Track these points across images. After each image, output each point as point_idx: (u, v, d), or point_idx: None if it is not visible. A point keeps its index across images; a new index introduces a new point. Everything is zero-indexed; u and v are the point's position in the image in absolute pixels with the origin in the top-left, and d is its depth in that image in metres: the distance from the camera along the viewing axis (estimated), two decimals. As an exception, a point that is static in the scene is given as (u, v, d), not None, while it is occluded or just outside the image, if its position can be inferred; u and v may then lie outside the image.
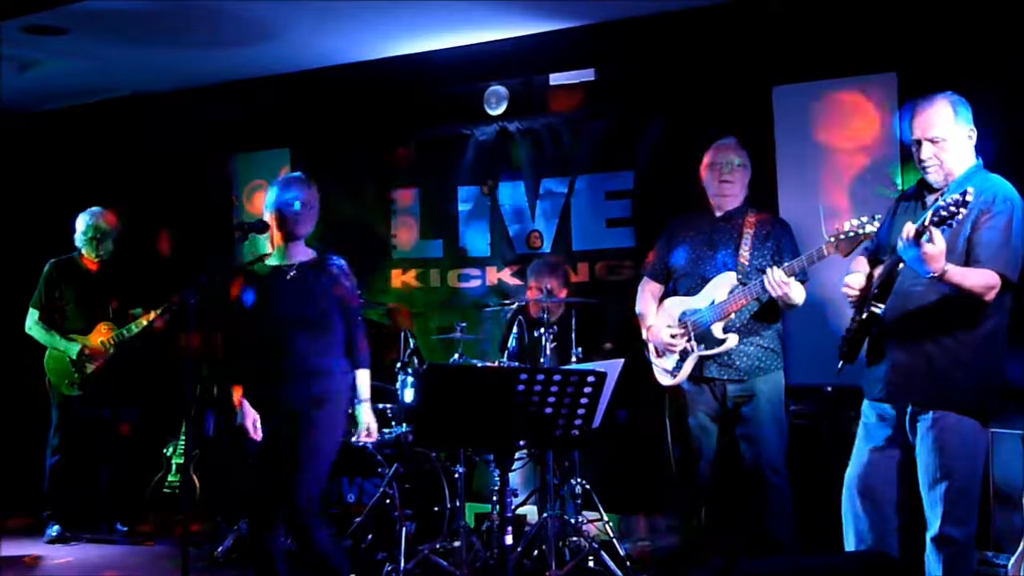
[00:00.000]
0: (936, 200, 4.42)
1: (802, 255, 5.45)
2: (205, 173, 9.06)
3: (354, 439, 5.57)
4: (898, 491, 4.70)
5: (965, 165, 4.59)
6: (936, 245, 4.20)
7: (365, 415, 5.44)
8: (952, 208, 4.15)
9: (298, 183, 5.37)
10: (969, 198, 4.14)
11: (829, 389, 6.30)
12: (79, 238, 7.72)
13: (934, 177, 4.62)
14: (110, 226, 7.73)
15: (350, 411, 5.47)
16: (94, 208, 7.77)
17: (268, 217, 5.33)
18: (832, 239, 4.99)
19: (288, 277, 5.31)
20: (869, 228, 4.81)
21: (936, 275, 4.28)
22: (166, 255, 8.68)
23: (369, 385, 5.46)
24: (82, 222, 7.72)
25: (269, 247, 5.44)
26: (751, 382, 5.83)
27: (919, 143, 4.62)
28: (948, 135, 4.56)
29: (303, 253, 5.40)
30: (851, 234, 4.88)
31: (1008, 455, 5.53)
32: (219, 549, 6.77)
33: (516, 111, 7.97)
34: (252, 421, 5.27)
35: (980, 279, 4.35)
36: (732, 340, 5.80)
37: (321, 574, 5.21)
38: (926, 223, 4.19)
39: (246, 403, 5.30)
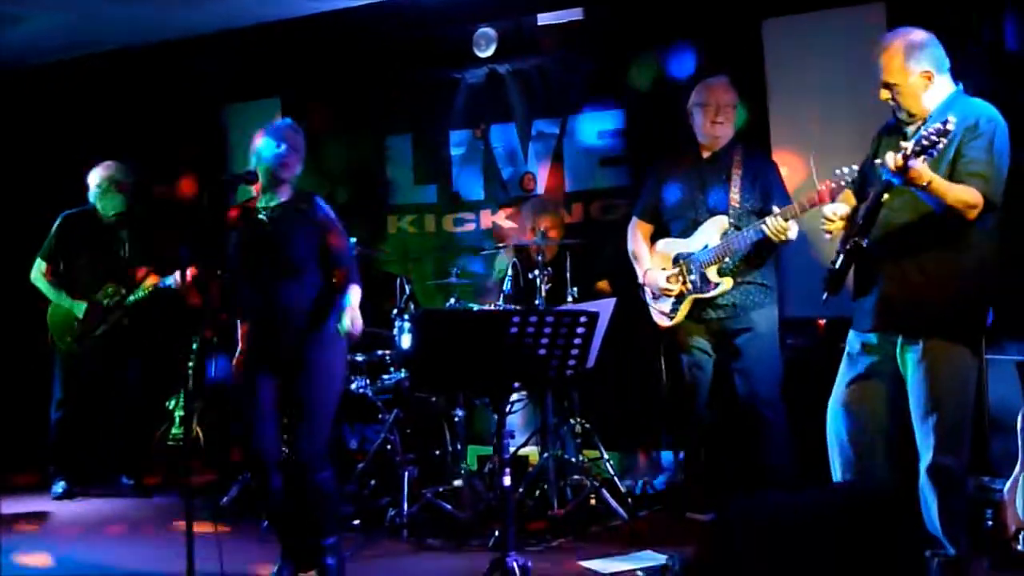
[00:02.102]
0: (918, 129, 4.42)
1: (793, 202, 5.47)
2: (196, 126, 9.02)
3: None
4: (888, 421, 4.73)
5: (936, 99, 4.56)
6: (921, 164, 4.22)
7: (353, 315, 5.16)
8: (933, 137, 4.16)
9: (282, 128, 5.32)
10: (951, 127, 4.16)
11: (823, 321, 6.31)
12: (93, 192, 7.62)
13: (900, 115, 4.62)
14: (123, 176, 7.65)
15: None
16: (107, 161, 7.67)
17: (254, 164, 5.26)
18: (824, 187, 5.00)
19: (263, 222, 5.26)
20: (849, 179, 4.83)
21: (924, 184, 4.27)
22: (185, 199, 8.57)
23: (358, 299, 5.26)
24: (95, 176, 7.62)
25: (255, 192, 5.38)
26: (748, 315, 5.88)
27: (879, 84, 4.63)
28: (900, 80, 4.55)
29: (284, 194, 5.32)
30: (843, 183, 4.90)
31: (1003, 381, 5.56)
32: (224, 499, 6.82)
33: (505, 53, 7.93)
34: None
35: (963, 194, 4.35)
36: (727, 283, 5.85)
37: (318, 515, 5.25)
38: (908, 152, 4.19)
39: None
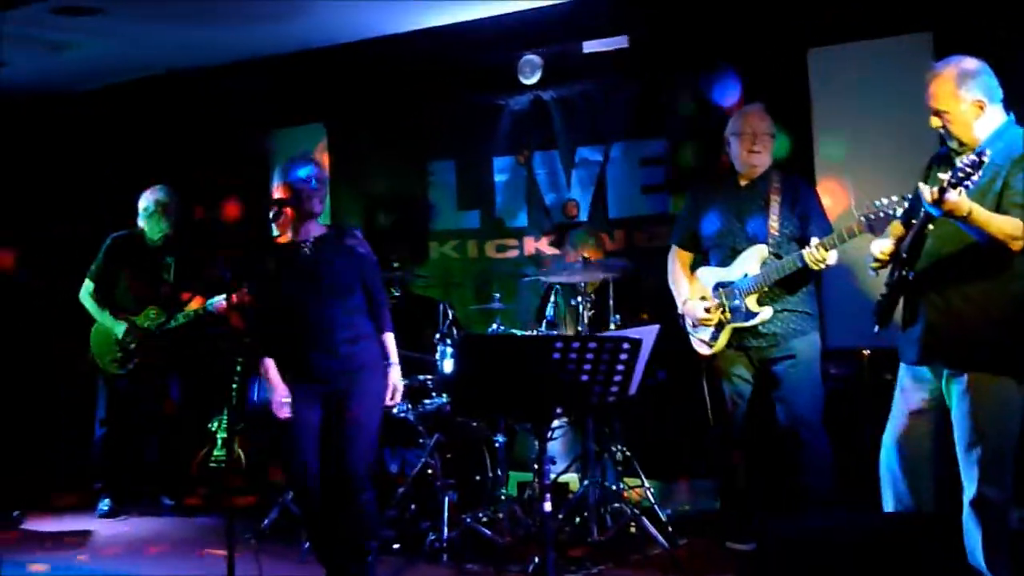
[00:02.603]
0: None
1: (833, 232, 5.45)
2: (242, 151, 9.09)
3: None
4: (936, 453, 4.69)
5: (988, 129, 4.52)
6: (959, 195, 4.19)
7: (395, 377, 5.48)
8: (968, 170, 4.14)
9: (309, 161, 5.36)
10: (985, 159, 4.13)
11: (867, 351, 6.27)
12: (141, 215, 7.71)
13: (951, 143, 4.60)
14: (171, 199, 7.73)
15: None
16: (156, 185, 7.76)
17: (279, 195, 5.28)
18: (863, 218, 4.98)
19: (306, 251, 5.33)
20: (899, 210, 4.80)
21: (963, 215, 4.24)
22: (229, 223, 8.66)
23: (395, 349, 5.51)
24: (144, 199, 7.71)
25: (278, 229, 5.41)
26: (788, 343, 5.85)
27: (930, 112, 4.61)
28: (950, 108, 4.51)
29: (317, 229, 5.39)
30: (881, 214, 4.87)
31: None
32: (265, 522, 6.84)
33: (550, 80, 7.95)
34: (280, 397, 5.31)
35: (1006, 225, 4.32)
36: (766, 313, 5.82)
37: (360, 535, 5.31)
38: (944, 184, 4.17)
39: (275, 378, 5.35)
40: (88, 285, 7.68)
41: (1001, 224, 4.33)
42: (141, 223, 7.74)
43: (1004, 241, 4.33)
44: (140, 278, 7.72)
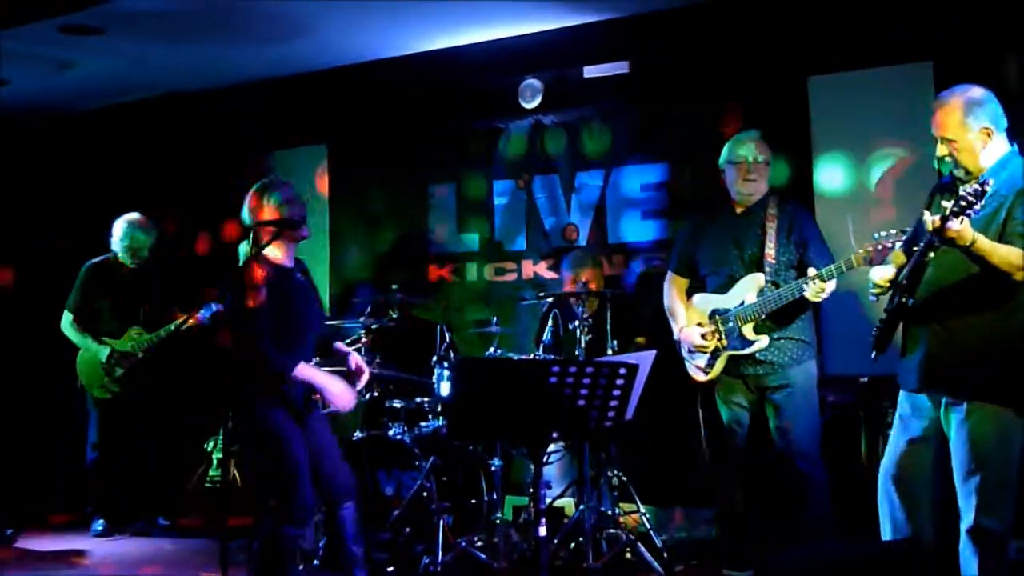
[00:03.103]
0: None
1: (832, 264, 5.45)
2: (243, 171, 9.10)
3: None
4: (934, 482, 4.68)
5: (993, 157, 4.54)
6: (961, 224, 4.21)
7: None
8: (970, 198, 4.15)
9: (293, 187, 5.37)
10: (988, 188, 4.14)
11: (865, 379, 6.26)
12: (116, 244, 7.73)
13: (957, 172, 4.61)
14: (147, 235, 7.73)
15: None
16: (131, 215, 7.75)
17: (269, 217, 5.18)
18: (862, 251, 4.99)
19: (299, 276, 5.37)
20: (898, 244, 4.81)
21: (966, 244, 4.25)
22: (204, 255, 8.72)
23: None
24: (119, 229, 7.72)
25: (260, 249, 5.24)
26: (785, 372, 5.84)
27: (936, 140, 4.62)
28: (958, 136, 4.53)
29: (292, 257, 5.37)
30: (880, 247, 4.88)
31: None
32: (255, 544, 6.80)
33: (550, 104, 7.98)
34: (341, 387, 5.28)
35: (1009, 255, 4.32)
36: (763, 341, 5.81)
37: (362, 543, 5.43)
38: (946, 213, 4.18)
39: (320, 373, 5.26)
40: (67, 315, 7.70)
41: (1005, 254, 4.33)
42: (115, 248, 7.75)
43: (1008, 271, 4.34)
44: (119, 302, 7.71)
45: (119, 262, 7.76)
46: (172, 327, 7.50)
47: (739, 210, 6.05)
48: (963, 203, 4.17)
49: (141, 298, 7.74)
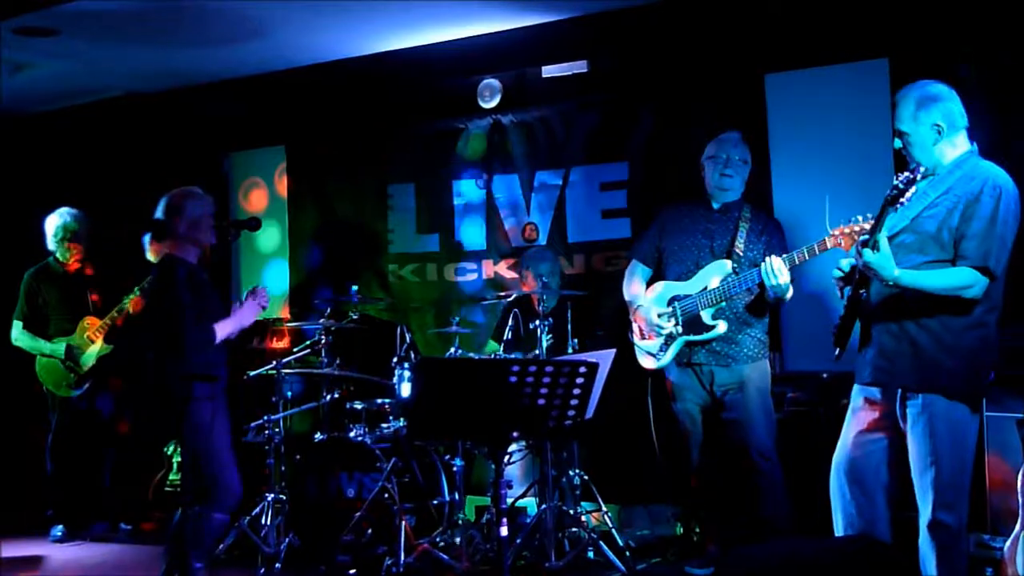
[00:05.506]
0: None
1: (803, 247, 5.47)
2: (201, 173, 9.05)
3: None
4: (888, 476, 4.70)
5: (951, 156, 4.58)
6: (880, 253, 4.30)
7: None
8: (900, 186, 4.24)
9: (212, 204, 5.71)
10: (917, 176, 4.24)
11: (825, 375, 6.29)
12: (51, 242, 7.71)
13: (913, 165, 4.62)
14: (76, 221, 7.70)
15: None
16: (62, 209, 7.74)
17: (187, 226, 5.54)
18: (834, 233, 5.01)
19: (204, 276, 5.62)
20: (867, 226, 4.83)
21: (889, 283, 4.34)
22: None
23: None
24: (50, 226, 7.71)
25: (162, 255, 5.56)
26: (739, 369, 5.88)
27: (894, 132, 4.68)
28: (909, 129, 4.59)
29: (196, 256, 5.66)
30: (848, 232, 4.91)
31: (1003, 438, 5.52)
32: (219, 547, 6.76)
33: (509, 104, 7.98)
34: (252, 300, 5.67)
35: (948, 279, 4.40)
36: (721, 327, 5.85)
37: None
38: (869, 235, 4.28)
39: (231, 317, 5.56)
40: (17, 325, 7.68)
41: (940, 279, 4.39)
42: (52, 248, 7.73)
43: (954, 294, 4.38)
44: (65, 298, 7.71)
45: (59, 262, 7.75)
46: (124, 304, 7.49)
47: (715, 206, 6.10)
48: (894, 192, 4.25)
49: (86, 289, 7.73)
